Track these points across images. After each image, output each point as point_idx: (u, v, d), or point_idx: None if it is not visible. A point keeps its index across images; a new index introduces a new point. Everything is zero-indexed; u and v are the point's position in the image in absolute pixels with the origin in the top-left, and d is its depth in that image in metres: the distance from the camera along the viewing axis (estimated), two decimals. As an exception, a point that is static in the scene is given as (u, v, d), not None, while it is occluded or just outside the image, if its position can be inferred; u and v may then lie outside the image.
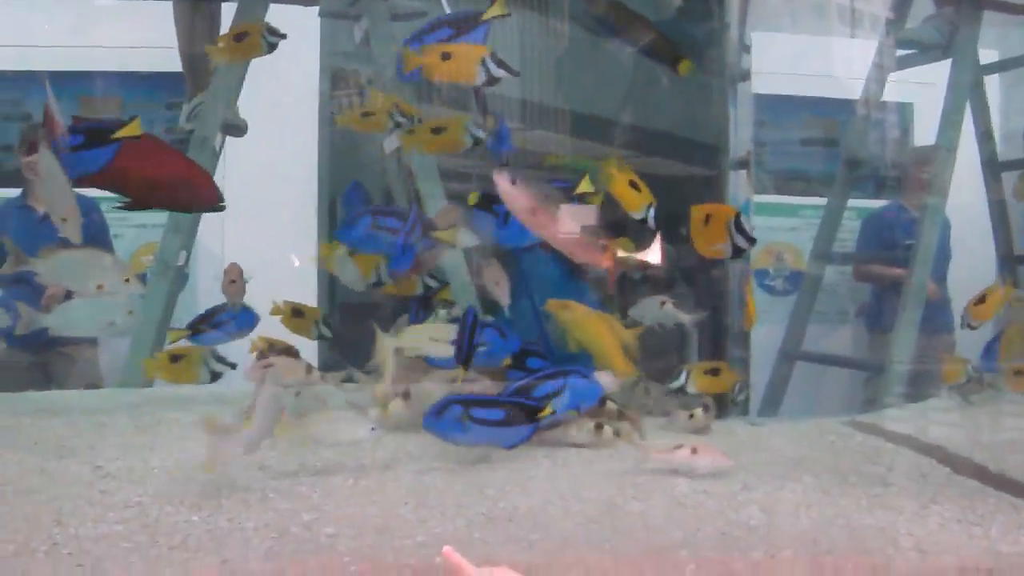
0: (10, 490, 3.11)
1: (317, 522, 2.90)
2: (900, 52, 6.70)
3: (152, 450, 3.62)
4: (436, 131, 4.50)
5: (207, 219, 4.93)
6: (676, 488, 3.33)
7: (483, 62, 3.91)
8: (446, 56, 3.98)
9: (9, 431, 3.86)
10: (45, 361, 5.62)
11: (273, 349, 4.17)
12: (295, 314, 4.54)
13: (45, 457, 3.50)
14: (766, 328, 6.81)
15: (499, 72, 3.91)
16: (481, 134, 4.37)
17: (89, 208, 5.64)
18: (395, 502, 3.09)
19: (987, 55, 6.69)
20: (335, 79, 6.46)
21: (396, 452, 3.70)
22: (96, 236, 5.53)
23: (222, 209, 3.90)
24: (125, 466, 3.41)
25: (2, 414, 4.08)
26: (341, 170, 6.42)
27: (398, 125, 4.54)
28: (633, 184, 3.99)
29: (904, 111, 7.60)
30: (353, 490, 3.24)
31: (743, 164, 6.17)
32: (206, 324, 4.31)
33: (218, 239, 5.83)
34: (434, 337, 4.03)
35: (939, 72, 6.45)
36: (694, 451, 3.50)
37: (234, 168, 5.53)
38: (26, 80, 6.46)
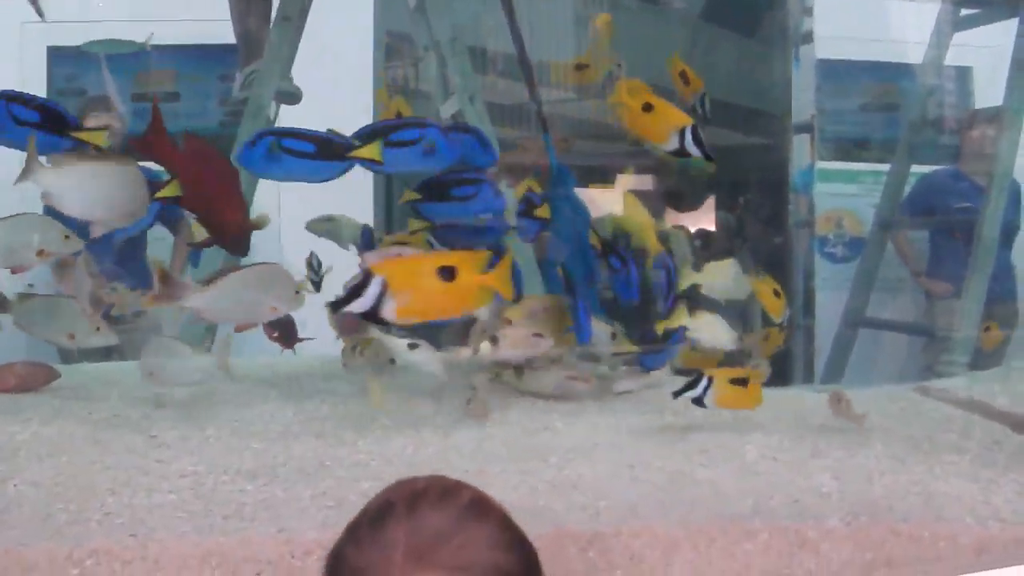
0: (64, 460, 3.08)
1: (376, 490, 2.83)
2: (964, 12, 6.57)
3: (207, 419, 3.59)
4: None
5: (261, 195, 4.89)
6: (745, 455, 3.26)
7: (682, 132, 3.79)
8: (648, 107, 3.88)
9: (64, 402, 3.83)
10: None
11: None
12: None
13: (98, 427, 3.47)
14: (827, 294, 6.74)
15: (692, 148, 3.78)
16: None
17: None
18: (456, 469, 3.03)
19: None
20: (389, 49, 6.43)
21: (457, 420, 3.64)
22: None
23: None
24: (180, 435, 3.38)
25: (58, 386, 4.05)
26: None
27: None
28: (776, 292, 4.28)
29: (964, 75, 7.48)
30: (413, 458, 3.19)
31: (806, 128, 6.08)
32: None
33: (274, 216, 5.79)
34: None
35: (996, 35, 6.33)
36: None
37: (288, 138, 5.50)
38: (82, 56, 6.46)
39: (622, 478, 3.03)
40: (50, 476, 2.92)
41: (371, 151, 3.75)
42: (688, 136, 3.74)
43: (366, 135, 3.80)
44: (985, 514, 2.80)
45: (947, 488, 3.00)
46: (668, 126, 3.78)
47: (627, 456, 3.23)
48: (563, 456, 3.20)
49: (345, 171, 3.83)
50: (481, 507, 1.73)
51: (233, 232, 3.78)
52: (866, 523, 2.68)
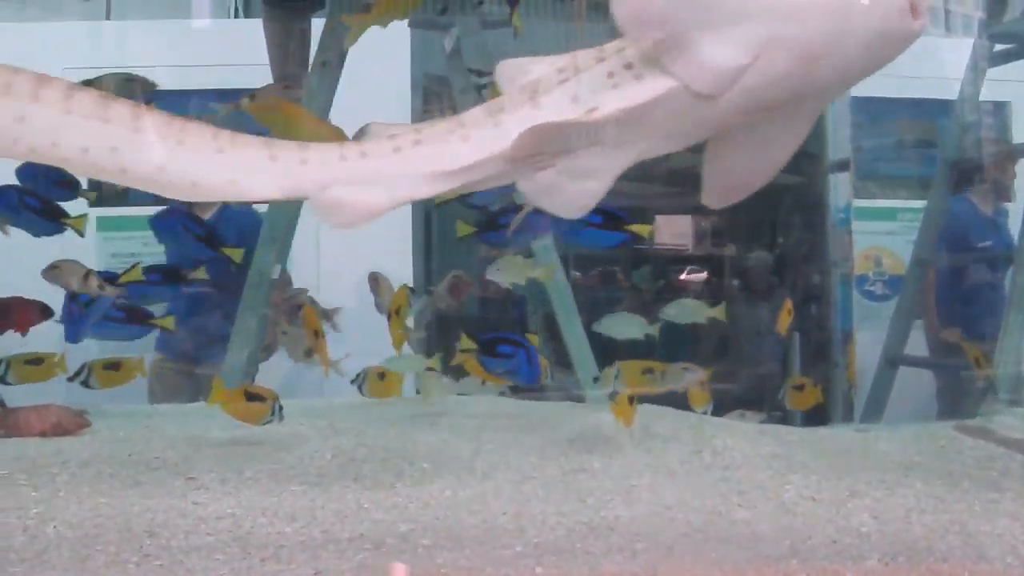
0: (103, 501, 3.08)
1: (413, 533, 2.84)
2: (998, 47, 6.54)
3: (246, 461, 3.59)
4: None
5: (301, 231, 4.90)
6: (783, 495, 3.24)
7: None
8: None
9: (104, 444, 3.85)
10: (189, 374, 5.60)
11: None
12: None
13: (138, 469, 3.49)
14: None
15: None
16: None
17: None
18: (494, 512, 3.03)
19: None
20: (427, 92, 6.46)
21: (496, 462, 3.63)
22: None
23: None
24: (218, 477, 3.39)
25: (97, 428, 4.07)
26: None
27: None
28: None
29: (1002, 110, 7.43)
30: (451, 500, 3.18)
31: (843, 166, 6.05)
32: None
33: (313, 251, 5.83)
34: None
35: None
36: None
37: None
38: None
39: (659, 519, 3.01)
40: (89, 518, 2.93)
41: None
42: None
43: None
44: (1026, 553, 2.78)
45: (987, 527, 2.97)
46: None
47: (664, 497, 3.22)
48: (600, 497, 3.19)
49: None
50: None
51: None
52: (905, 564, 2.66)
